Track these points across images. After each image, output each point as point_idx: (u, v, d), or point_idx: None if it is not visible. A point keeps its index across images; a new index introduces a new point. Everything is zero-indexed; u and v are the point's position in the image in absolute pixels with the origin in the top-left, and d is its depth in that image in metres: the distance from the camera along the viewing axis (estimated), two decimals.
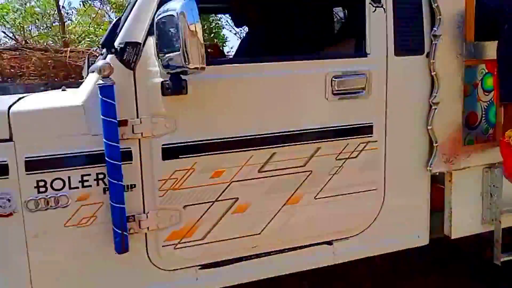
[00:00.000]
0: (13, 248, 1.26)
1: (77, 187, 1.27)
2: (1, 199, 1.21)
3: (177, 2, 1.15)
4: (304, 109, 1.49)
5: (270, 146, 1.44)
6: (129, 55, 1.26)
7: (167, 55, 1.20)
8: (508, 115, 1.52)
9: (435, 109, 1.57)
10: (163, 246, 1.38)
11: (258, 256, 1.51)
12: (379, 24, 1.50)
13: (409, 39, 1.55)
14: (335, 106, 1.51)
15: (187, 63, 1.14)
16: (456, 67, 1.59)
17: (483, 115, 1.68)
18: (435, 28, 1.54)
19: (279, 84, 1.46)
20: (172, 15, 1.14)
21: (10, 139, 1.21)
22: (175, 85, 1.25)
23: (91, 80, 1.31)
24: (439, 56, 1.54)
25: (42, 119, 1.26)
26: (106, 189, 1.29)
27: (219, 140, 1.39)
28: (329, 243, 1.59)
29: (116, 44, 1.28)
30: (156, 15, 1.23)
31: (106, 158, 1.23)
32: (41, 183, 1.24)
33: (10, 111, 1.22)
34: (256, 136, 1.42)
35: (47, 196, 1.25)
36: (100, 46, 2.08)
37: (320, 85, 1.47)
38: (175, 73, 1.22)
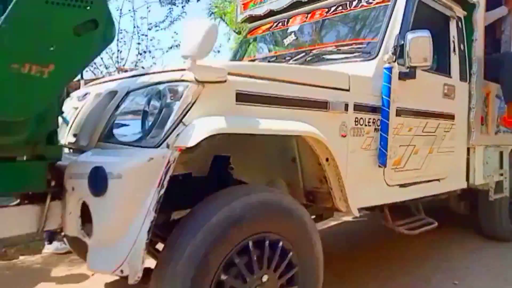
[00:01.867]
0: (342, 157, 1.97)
1: (367, 125, 2.12)
2: (342, 126, 1.97)
3: None
4: (433, 101, 2.66)
5: (426, 118, 2.57)
6: (390, 55, 2.22)
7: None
8: (510, 109, 3.10)
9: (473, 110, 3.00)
10: (391, 168, 2.29)
11: (419, 183, 2.54)
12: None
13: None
14: (444, 102, 2.77)
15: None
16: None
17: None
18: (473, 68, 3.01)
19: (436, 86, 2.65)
20: None
21: (348, 90, 2.02)
22: (407, 74, 2.28)
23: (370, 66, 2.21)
24: (473, 82, 3.01)
25: (364, 80, 2.11)
26: (377, 129, 2.17)
27: (413, 110, 2.45)
28: (438, 180, 2.74)
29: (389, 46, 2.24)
30: None
31: (381, 115, 2.14)
32: (357, 119, 2.05)
33: (350, 74, 2.03)
34: (425, 111, 2.54)
35: (357, 127, 2.06)
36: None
37: (439, 90, 2.72)
38: (412, 67, 2.25)
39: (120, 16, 6.43)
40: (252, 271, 1.52)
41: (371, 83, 2.16)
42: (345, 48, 2.49)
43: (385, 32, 2.32)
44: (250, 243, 1.51)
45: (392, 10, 2.39)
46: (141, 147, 1.41)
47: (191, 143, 1.33)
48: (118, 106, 1.61)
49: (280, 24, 3.21)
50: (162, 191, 1.32)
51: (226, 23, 10.83)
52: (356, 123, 2.05)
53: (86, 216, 1.41)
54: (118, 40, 6.22)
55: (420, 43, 2.15)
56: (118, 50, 6.41)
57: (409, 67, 2.24)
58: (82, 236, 1.44)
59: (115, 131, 1.56)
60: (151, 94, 1.48)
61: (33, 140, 1.41)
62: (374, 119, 2.16)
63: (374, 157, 2.15)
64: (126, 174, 1.30)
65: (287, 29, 3.10)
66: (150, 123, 1.44)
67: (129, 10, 6.54)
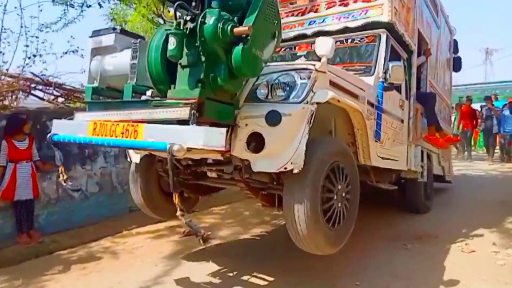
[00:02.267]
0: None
1: (371, 114, 3.42)
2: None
3: None
4: (396, 109, 4.17)
5: (393, 118, 4.00)
6: (382, 74, 3.60)
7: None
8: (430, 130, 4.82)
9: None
10: (379, 145, 3.63)
11: (388, 159, 3.95)
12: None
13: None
14: (399, 110, 4.34)
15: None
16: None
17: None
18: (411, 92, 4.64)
19: (397, 99, 4.16)
20: None
21: (364, 91, 3.31)
22: (388, 87, 3.69)
23: (371, 80, 3.53)
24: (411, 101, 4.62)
25: (370, 87, 3.42)
26: (374, 118, 3.50)
27: (389, 111, 3.87)
28: (396, 160, 4.18)
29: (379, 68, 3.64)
30: None
31: (377, 109, 3.50)
32: (368, 110, 3.34)
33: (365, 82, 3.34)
34: (393, 114, 3.98)
35: (367, 114, 3.34)
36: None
37: (398, 102, 4.25)
38: (391, 83, 3.68)
39: (3, 13, 5.58)
40: (335, 181, 2.68)
41: (372, 89, 3.50)
42: (353, 67, 3.85)
43: (376, 59, 3.76)
44: (333, 166, 2.67)
45: (378, 47, 3.84)
46: (288, 103, 2.46)
47: (322, 100, 2.48)
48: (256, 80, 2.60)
49: (288, 49, 4.48)
50: (310, 126, 2.41)
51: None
52: (367, 111, 3.33)
53: (249, 142, 2.39)
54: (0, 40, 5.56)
55: (396, 69, 3.58)
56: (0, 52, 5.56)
57: (390, 83, 3.64)
58: (246, 152, 2.38)
59: (258, 94, 2.57)
60: (290, 74, 2.56)
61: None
62: (373, 111, 3.46)
63: (373, 135, 3.46)
64: (293, 113, 2.38)
65: (296, 53, 4.38)
66: (290, 90, 2.51)
67: (15, 8, 5.77)
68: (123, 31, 2.86)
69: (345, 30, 4.07)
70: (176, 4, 2.11)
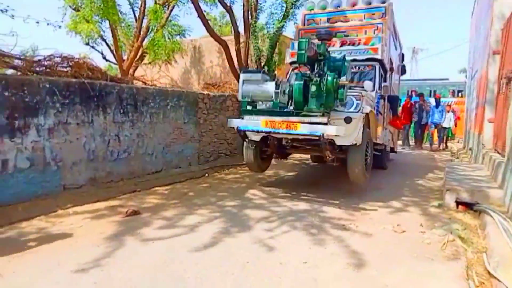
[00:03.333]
0: None
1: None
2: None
3: None
4: (381, 107, 4.61)
5: (381, 114, 4.64)
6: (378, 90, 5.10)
7: None
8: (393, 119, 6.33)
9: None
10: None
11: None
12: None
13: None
14: (382, 105, 4.90)
15: None
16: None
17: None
18: None
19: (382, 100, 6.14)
20: None
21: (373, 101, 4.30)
22: (382, 97, 5.14)
23: (374, 93, 5.41)
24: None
25: (373, 98, 5.49)
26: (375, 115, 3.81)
27: (380, 111, 5.13)
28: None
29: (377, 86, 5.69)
30: None
31: (376, 111, 5.12)
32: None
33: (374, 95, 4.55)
34: (382, 112, 5.46)
35: None
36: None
37: (382, 102, 4.74)
38: (383, 96, 5.01)
39: None
40: (368, 148, 5.47)
41: (374, 99, 4.95)
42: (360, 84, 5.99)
43: (375, 80, 6.18)
44: (368, 141, 5.44)
45: (375, 72, 6.36)
46: (353, 112, 5.01)
47: (367, 111, 5.11)
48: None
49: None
50: (363, 123, 5.02)
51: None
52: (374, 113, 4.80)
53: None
54: None
55: (385, 87, 6.22)
56: None
57: (381, 95, 5.61)
58: (332, 132, 4.68)
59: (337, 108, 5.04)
60: (352, 98, 5.11)
61: None
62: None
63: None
64: (356, 117, 4.94)
65: None
66: (353, 106, 5.09)
67: None
68: (264, 72, 5.74)
69: (354, 60, 6.37)
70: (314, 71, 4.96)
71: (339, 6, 7.44)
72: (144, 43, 10.70)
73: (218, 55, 12.59)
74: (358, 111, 4.97)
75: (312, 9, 7.54)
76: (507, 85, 5.89)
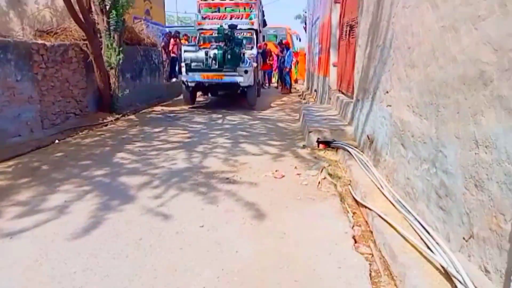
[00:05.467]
0: None
1: None
2: None
3: None
4: None
5: None
6: None
7: None
8: None
9: None
10: None
11: None
12: None
13: None
14: None
15: None
16: None
17: None
18: None
19: None
20: None
21: None
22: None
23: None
24: None
25: None
26: None
27: None
28: None
29: None
30: None
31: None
32: None
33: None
34: None
35: None
36: None
37: None
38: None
39: None
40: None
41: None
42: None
43: (254, 42, 10.94)
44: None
45: (253, 37, 10.78)
46: (249, 67, 9.37)
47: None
48: None
49: None
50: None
51: None
52: None
53: None
54: None
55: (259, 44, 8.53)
56: None
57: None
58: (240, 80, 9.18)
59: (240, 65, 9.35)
60: None
61: None
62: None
63: None
64: (250, 70, 9.35)
65: None
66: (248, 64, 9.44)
67: None
68: (197, 47, 10.11)
69: (240, 29, 10.41)
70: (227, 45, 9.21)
71: None
72: None
73: None
74: (250, 66, 9.18)
75: None
76: (349, 33, 6.59)
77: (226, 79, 8.98)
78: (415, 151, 2.86)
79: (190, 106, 10.26)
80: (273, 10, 69.55)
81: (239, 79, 8.93)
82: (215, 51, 9.05)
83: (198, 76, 9.16)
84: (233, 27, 9.40)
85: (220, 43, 9.35)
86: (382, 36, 3.96)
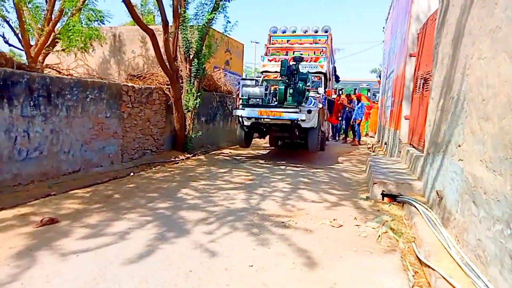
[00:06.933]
0: None
1: None
2: None
3: None
4: None
5: None
6: None
7: None
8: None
9: None
10: None
11: None
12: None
13: None
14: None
15: None
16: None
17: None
18: None
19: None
20: None
21: None
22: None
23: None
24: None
25: None
26: None
27: None
28: None
29: None
30: None
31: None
32: None
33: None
34: None
35: None
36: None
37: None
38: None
39: None
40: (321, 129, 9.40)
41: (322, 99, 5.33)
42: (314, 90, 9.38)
43: (322, 86, 9.90)
44: (319, 125, 8.74)
45: (322, 81, 10.00)
46: (313, 107, 8.27)
47: (320, 106, 8.53)
48: None
49: None
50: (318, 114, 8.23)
51: None
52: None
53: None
54: None
55: (327, 90, 9.86)
56: None
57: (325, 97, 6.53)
58: (301, 118, 7.84)
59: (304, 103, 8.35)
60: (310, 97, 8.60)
61: None
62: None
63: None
64: (314, 110, 8.12)
65: None
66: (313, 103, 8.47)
67: None
68: (257, 82, 8.76)
69: (308, 72, 9.02)
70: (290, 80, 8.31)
71: (295, 31, 11.02)
72: (56, 28, 9.54)
73: (141, 44, 11.82)
74: (315, 106, 8.26)
75: (275, 31, 11.03)
76: (423, 86, 6.40)
77: (285, 116, 7.68)
78: (487, 209, 2.59)
79: (246, 148, 9.89)
80: (351, 64, 70.47)
81: (300, 117, 7.58)
82: (277, 86, 8.32)
83: (255, 112, 7.89)
84: (298, 60, 8.30)
85: (283, 77, 8.20)
86: (456, 88, 3.79)
